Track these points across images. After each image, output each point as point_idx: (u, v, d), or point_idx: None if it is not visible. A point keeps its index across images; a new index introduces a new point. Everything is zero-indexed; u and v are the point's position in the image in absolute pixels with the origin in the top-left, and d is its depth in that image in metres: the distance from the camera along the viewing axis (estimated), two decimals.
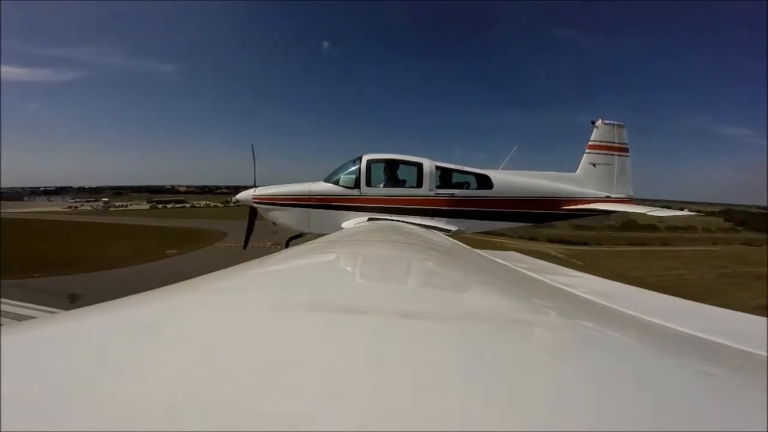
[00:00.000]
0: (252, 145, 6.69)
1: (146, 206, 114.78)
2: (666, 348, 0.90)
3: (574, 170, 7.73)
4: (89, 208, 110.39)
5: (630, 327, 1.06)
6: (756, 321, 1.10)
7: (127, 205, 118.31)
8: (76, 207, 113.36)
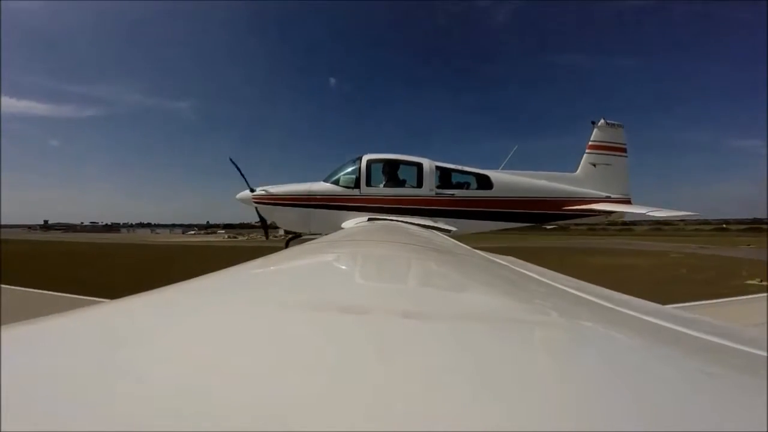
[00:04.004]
0: (230, 158, 6.90)
1: None
2: (666, 348, 0.90)
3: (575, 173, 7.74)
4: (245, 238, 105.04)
5: (630, 327, 1.06)
6: (756, 332, 1.09)
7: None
8: (235, 237, 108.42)
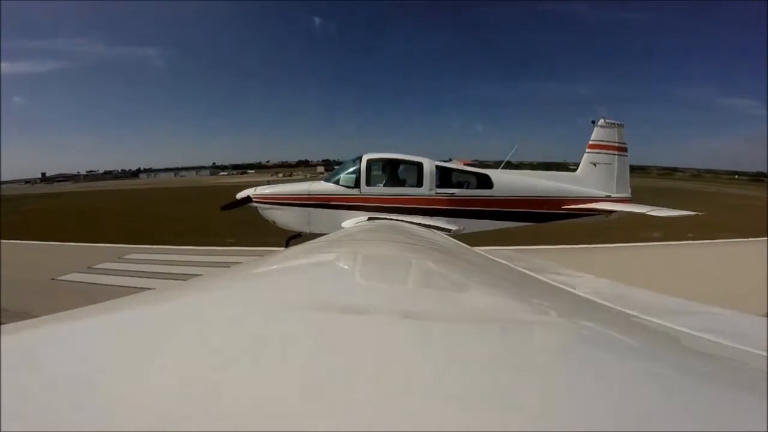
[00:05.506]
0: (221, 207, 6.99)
1: None
2: (666, 348, 0.90)
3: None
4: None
5: (630, 327, 1.06)
6: (756, 321, 1.10)
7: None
8: (290, 174, 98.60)
